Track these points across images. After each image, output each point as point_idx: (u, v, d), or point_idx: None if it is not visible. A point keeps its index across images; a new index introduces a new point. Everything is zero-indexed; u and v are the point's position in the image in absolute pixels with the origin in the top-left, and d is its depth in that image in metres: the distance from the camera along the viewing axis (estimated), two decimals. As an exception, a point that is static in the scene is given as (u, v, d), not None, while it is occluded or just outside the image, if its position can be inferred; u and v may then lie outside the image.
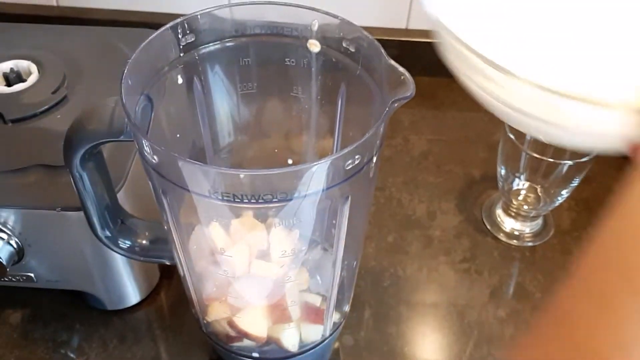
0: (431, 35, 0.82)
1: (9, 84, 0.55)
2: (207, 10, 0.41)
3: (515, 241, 0.64)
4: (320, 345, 0.49)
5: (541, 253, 0.64)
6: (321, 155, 0.50)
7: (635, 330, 0.22)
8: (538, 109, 0.29)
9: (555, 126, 0.29)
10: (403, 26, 0.79)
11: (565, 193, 0.61)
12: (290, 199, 0.35)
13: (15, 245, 0.50)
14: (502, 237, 0.65)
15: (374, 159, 0.38)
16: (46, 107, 0.54)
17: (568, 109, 0.28)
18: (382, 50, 0.38)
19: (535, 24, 0.34)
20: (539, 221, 0.66)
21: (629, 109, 0.26)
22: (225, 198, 0.34)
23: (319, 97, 0.46)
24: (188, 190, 0.35)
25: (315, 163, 0.33)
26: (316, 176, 0.34)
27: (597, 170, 0.70)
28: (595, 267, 0.24)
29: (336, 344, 0.56)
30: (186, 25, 0.41)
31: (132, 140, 0.38)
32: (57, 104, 0.54)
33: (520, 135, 0.61)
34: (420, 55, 0.79)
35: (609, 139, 0.29)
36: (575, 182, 0.59)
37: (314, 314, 0.47)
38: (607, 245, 0.24)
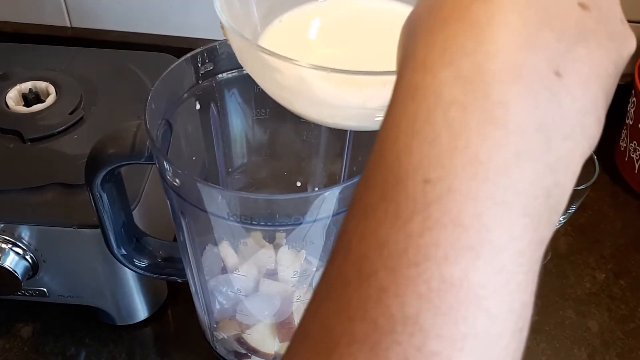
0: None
1: (27, 104, 0.57)
2: (226, 40, 0.43)
3: (513, 264, 0.66)
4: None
5: (539, 276, 0.65)
6: (329, 178, 0.52)
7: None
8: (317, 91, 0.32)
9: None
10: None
11: (562, 219, 0.63)
12: (303, 222, 0.37)
13: (30, 261, 0.52)
14: (500, 260, 0.66)
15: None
16: (63, 127, 0.55)
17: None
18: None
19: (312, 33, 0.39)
20: (537, 245, 0.68)
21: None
22: (242, 220, 0.36)
23: (329, 124, 0.48)
24: (207, 212, 0.37)
25: (327, 189, 0.35)
26: (328, 201, 0.36)
27: (593, 198, 0.72)
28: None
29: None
30: (205, 54, 0.43)
31: (153, 163, 0.40)
32: (74, 124, 0.56)
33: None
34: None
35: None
36: (572, 209, 0.61)
37: (320, 333, 0.48)
38: None
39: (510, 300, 0.19)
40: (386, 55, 0.28)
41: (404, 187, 0.19)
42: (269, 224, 0.36)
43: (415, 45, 0.21)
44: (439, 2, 0.21)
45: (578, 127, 0.20)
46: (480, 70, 0.19)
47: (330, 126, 0.35)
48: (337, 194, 0.36)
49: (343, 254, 0.20)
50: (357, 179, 0.35)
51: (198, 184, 0.35)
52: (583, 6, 0.21)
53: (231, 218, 0.36)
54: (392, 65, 0.25)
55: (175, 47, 0.76)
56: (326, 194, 0.36)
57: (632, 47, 0.22)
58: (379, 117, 0.31)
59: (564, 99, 0.20)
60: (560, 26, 0.20)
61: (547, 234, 0.20)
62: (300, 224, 0.36)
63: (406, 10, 0.37)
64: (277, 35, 0.37)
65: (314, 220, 0.37)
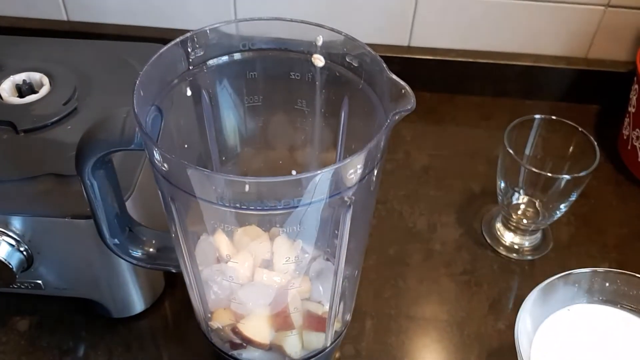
0: (432, 53, 0.84)
1: (21, 95, 0.57)
2: (216, 25, 0.43)
3: (514, 255, 0.65)
4: (323, 353, 0.50)
5: (540, 267, 0.65)
6: (324, 167, 0.51)
7: None
8: None
9: None
10: (405, 43, 0.81)
11: (563, 207, 0.62)
12: (294, 207, 0.36)
13: (24, 253, 0.51)
14: (501, 250, 0.66)
15: (375, 170, 0.40)
16: (57, 118, 0.55)
17: None
18: (384, 65, 0.40)
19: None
20: (538, 235, 0.67)
21: None
22: (232, 205, 0.35)
23: (322, 110, 0.47)
24: (196, 197, 0.36)
25: (319, 172, 0.34)
26: (320, 184, 0.35)
27: (595, 186, 0.71)
28: None
29: (337, 354, 0.57)
30: (195, 39, 0.42)
31: (142, 150, 0.39)
32: (67, 115, 0.55)
33: (519, 150, 0.62)
34: (421, 72, 0.81)
35: None
36: (574, 197, 0.61)
37: (316, 322, 0.48)
38: None
39: None
40: None
41: None
42: (258, 208, 0.35)
43: None
44: None
45: None
46: None
47: None
48: (329, 176, 0.35)
49: None
50: (348, 160, 0.35)
51: (186, 168, 0.35)
52: None
53: (220, 202, 0.35)
54: None
55: (172, 39, 0.75)
56: (317, 176, 0.35)
57: None
58: None
59: None
60: None
61: None
62: (291, 207, 0.36)
63: None
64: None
65: (309, 204, 0.36)
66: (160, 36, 0.79)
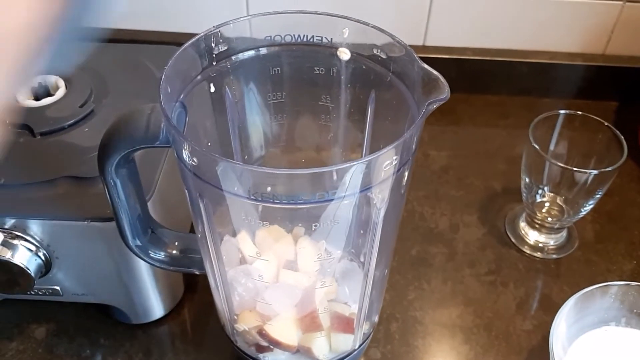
0: (447, 52, 0.83)
1: (37, 98, 0.56)
2: (239, 20, 0.42)
3: (539, 253, 0.64)
4: (351, 355, 0.48)
5: (566, 265, 0.63)
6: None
7: None
8: None
9: None
10: (420, 43, 0.80)
11: (588, 205, 0.61)
12: (327, 200, 0.35)
13: (43, 258, 0.50)
14: (526, 249, 0.64)
15: (408, 165, 0.39)
16: (73, 120, 0.54)
17: None
18: (416, 56, 0.39)
19: None
20: (563, 233, 0.65)
21: None
22: (263, 199, 0.34)
23: (347, 106, 0.46)
24: (226, 192, 0.35)
25: (354, 162, 0.33)
26: (354, 176, 0.34)
27: (620, 184, 0.70)
28: None
29: (362, 359, 0.55)
30: (219, 34, 0.41)
31: (168, 146, 0.38)
32: (84, 117, 0.54)
33: (543, 146, 0.61)
34: (437, 71, 0.80)
35: None
36: (599, 194, 0.59)
37: (344, 324, 0.47)
38: None
39: None
40: None
41: None
42: (291, 202, 0.34)
43: None
44: None
45: None
46: None
47: None
48: (364, 167, 0.34)
49: None
50: (383, 152, 0.34)
51: (218, 160, 0.34)
52: None
53: (252, 197, 0.34)
54: None
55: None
56: (352, 167, 0.34)
57: None
58: None
59: None
60: None
61: None
62: (326, 201, 0.35)
63: None
64: None
65: (342, 197, 0.35)
66: (170, 40, 0.78)
